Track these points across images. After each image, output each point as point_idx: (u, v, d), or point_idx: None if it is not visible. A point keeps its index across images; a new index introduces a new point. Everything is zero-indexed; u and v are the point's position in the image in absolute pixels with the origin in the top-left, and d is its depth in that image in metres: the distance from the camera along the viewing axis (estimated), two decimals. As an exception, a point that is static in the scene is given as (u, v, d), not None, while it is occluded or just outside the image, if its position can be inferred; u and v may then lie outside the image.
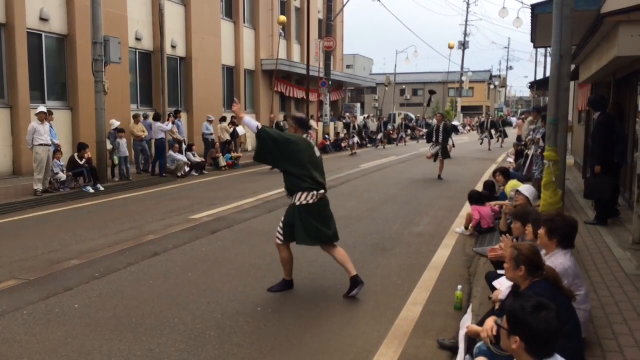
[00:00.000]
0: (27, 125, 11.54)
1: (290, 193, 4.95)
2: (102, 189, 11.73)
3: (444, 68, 61.08)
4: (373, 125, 29.68)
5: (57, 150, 11.58)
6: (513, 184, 7.86)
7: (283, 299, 4.99)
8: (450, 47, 42.16)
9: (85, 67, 13.56)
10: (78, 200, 10.68)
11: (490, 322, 2.99)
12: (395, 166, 17.79)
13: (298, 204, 4.86)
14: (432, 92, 27.58)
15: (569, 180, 11.24)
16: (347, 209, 9.40)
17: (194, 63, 19.22)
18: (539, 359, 2.23)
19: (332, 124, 26.79)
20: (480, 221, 7.50)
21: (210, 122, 17.21)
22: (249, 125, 4.95)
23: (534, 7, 10.50)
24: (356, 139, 23.42)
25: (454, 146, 20.33)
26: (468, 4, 51.05)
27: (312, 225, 4.86)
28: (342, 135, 25.48)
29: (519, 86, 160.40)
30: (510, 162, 14.57)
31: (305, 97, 27.64)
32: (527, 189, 5.68)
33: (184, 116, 18.10)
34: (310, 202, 4.85)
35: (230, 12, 22.12)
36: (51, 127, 11.50)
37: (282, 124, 16.71)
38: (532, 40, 13.63)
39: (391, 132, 30.53)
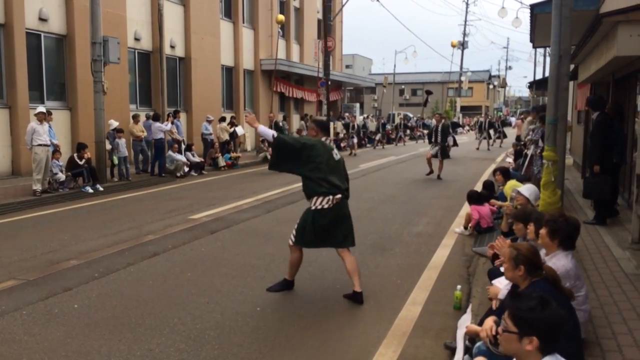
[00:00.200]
0: (26, 126, 11.53)
1: (307, 197, 4.91)
2: (101, 189, 11.72)
3: (443, 68, 61.18)
4: (372, 125, 29.69)
5: (56, 151, 11.57)
6: (512, 184, 7.86)
7: (282, 299, 4.99)
8: (453, 46, 42.15)
9: (84, 67, 13.55)
10: (77, 200, 10.68)
11: (490, 321, 3.00)
12: (394, 166, 17.80)
13: (313, 208, 4.83)
14: (428, 92, 27.51)
15: (568, 179, 11.25)
16: (346, 208, 9.39)
17: (193, 63, 19.21)
18: (547, 354, 2.22)
19: (331, 124, 26.78)
20: (480, 221, 7.51)
21: (210, 122, 17.21)
22: (264, 134, 4.86)
23: (532, 7, 10.51)
24: (355, 139, 23.43)
25: (456, 145, 20.34)
26: (467, 3, 51.04)
27: (322, 228, 4.82)
28: (341, 135, 25.47)
29: (518, 86, 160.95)
30: (510, 162, 14.57)
31: (304, 97, 27.70)
32: (527, 189, 5.67)
33: (183, 116, 18.09)
34: (326, 206, 4.79)
35: (229, 12, 22.11)
36: (50, 127, 11.49)
37: (280, 124, 16.71)
38: (531, 40, 13.64)
39: (390, 132, 30.53)
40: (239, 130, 19.09)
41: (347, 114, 30.12)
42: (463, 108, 57.31)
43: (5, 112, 12.85)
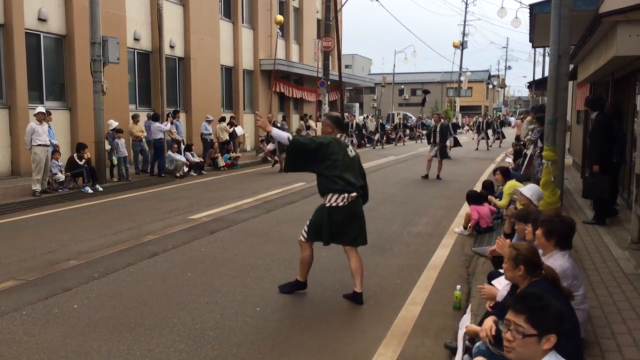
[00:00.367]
0: (25, 126, 11.52)
1: (322, 194, 4.87)
2: (100, 189, 11.72)
3: (443, 68, 61.24)
4: (371, 125, 29.70)
5: (56, 151, 11.56)
6: (511, 184, 7.86)
7: (282, 299, 4.99)
8: (455, 46, 42.15)
9: (84, 67, 13.54)
10: (77, 200, 10.67)
11: (489, 321, 3.00)
12: (393, 166, 17.80)
13: (328, 205, 4.78)
14: (425, 92, 27.48)
15: (568, 179, 11.25)
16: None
17: (193, 63, 19.20)
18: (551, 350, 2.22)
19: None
20: (479, 221, 7.51)
21: (209, 122, 17.20)
22: (279, 137, 4.80)
23: (532, 7, 10.51)
24: (355, 139, 23.43)
25: (460, 145, 20.30)
26: (466, 3, 51.05)
27: (336, 226, 4.78)
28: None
29: (518, 86, 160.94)
30: (509, 162, 14.58)
31: (304, 97, 27.68)
32: (529, 189, 5.61)
33: (182, 116, 18.08)
34: (340, 204, 4.74)
35: (228, 12, 22.11)
36: (49, 127, 11.49)
37: (279, 124, 16.69)
38: (531, 40, 13.64)
39: (390, 132, 30.54)
40: (239, 130, 19.09)
41: (346, 114, 30.11)
42: (462, 108, 57.35)
43: (4, 113, 12.85)
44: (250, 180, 13.91)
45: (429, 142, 14.97)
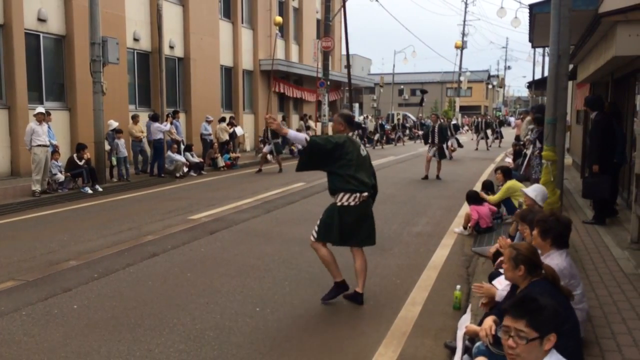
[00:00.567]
0: (25, 126, 11.52)
1: (332, 192, 4.80)
2: (100, 189, 11.72)
3: (442, 68, 61.24)
4: (371, 125, 29.71)
5: (55, 151, 11.56)
6: (511, 184, 7.87)
7: (282, 300, 4.99)
8: (457, 47, 42.11)
9: (83, 67, 13.54)
10: (76, 201, 10.67)
11: (489, 321, 3.00)
12: (393, 166, 17.80)
13: (339, 204, 4.72)
14: (423, 92, 27.33)
15: (567, 179, 11.26)
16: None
17: (192, 63, 19.20)
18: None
19: (330, 124, 26.82)
20: (479, 221, 7.51)
21: (209, 122, 17.20)
22: (296, 139, 4.74)
23: (531, 7, 10.50)
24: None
25: (461, 146, 20.28)
26: (466, 3, 51.01)
27: (348, 227, 4.73)
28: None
29: (517, 86, 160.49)
30: (509, 162, 14.58)
31: (303, 97, 27.68)
32: (533, 190, 5.52)
33: (182, 116, 18.07)
34: (352, 204, 4.69)
35: (228, 12, 22.10)
36: (49, 127, 11.49)
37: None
38: (530, 40, 13.63)
39: (389, 132, 30.55)
40: (238, 130, 19.09)
41: (346, 114, 30.09)
42: (462, 108, 57.35)
43: (4, 113, 12.84)
44: (250, 180, 13.91)
45: (425, 143, 14.93)
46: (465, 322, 3.56)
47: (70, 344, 4.02)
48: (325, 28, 25.28)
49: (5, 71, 12.81)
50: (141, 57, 17.38)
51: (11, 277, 5.64)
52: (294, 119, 27.25)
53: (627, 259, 5.74)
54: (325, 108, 24.77)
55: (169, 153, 14.55)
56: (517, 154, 13.88)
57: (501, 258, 4.03)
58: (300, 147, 4.73)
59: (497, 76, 72.68)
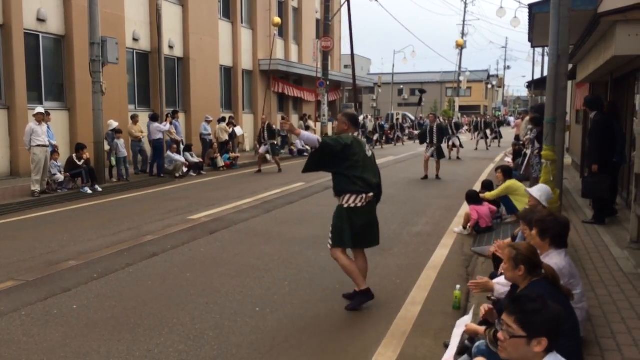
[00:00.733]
0: (24, 126, 11.51)
1: (337, 194, 4.76)
2: (100, 189, 11.72)
3: (442, 68, 61.26)
4: (370, 125, 29.70)
5: (55, 151, 11.56)
6: (510, 183, 7.87)
7: (281, 300, 4.99)
8: (459, 45, 42.08)
9: (83, 67, 13.53)
10: (76, 201, 10.67)
11: (486, 306, 3.01)
12: (393, 166, 17.80)
13: (346, 206, 4.68)
14: (421, 92, 27.41)
15: (567, 179, 11.26)
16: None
17: (192, 63, 19.19)
18: (549, 352, 2.22)
19: (329, 124, 26.84)
20: (479, 221, 7.52)
21: (209, 122, 17.20)
22: (309, 141, 4.67)
23: (531, 7, 10.50)
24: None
25: (461, 146, 20.25)
26: (465, 3, 51.05)
27: (358, 229, 4.69)
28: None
29: (517, 85, 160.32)
30: (508, 162, 14.59)
31: (303, 97, 27.68)
32: (538, 190, 5.47)
33: (181, 116, 18.06)
34: (359, 205, 4.66)
35: (227, 12, 22.10)
36: (49, 127, 11.49)
37: (274, 127, 16.60)
38: (530, 40, 13.63)
39: (389, 132, 30.54)
40: (238, 130, 19.09)
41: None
42: (462, 108, 57.35)
43: (3, 113, 12.83)
44: (250, 180, 13.90)
45: (421, 143, 14.82)
46: (464, 322, 3.56)
47: (69, 344, 4.02)
48: (324, 28, 25.27)
49: (5, 71, 12.80)
50: (141, 57, 17.37)
51: (11, 277, 5.64)
52: (294, 119, 27.24)
53: (627, 259, 5.75)
54: (325, 108, 24.77)
55: (169, 153, 14.55)
56: (517, 153, 13.88)
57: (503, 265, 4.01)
58: (300, 146, 4.71)
59: (497, 76, 72.73)
